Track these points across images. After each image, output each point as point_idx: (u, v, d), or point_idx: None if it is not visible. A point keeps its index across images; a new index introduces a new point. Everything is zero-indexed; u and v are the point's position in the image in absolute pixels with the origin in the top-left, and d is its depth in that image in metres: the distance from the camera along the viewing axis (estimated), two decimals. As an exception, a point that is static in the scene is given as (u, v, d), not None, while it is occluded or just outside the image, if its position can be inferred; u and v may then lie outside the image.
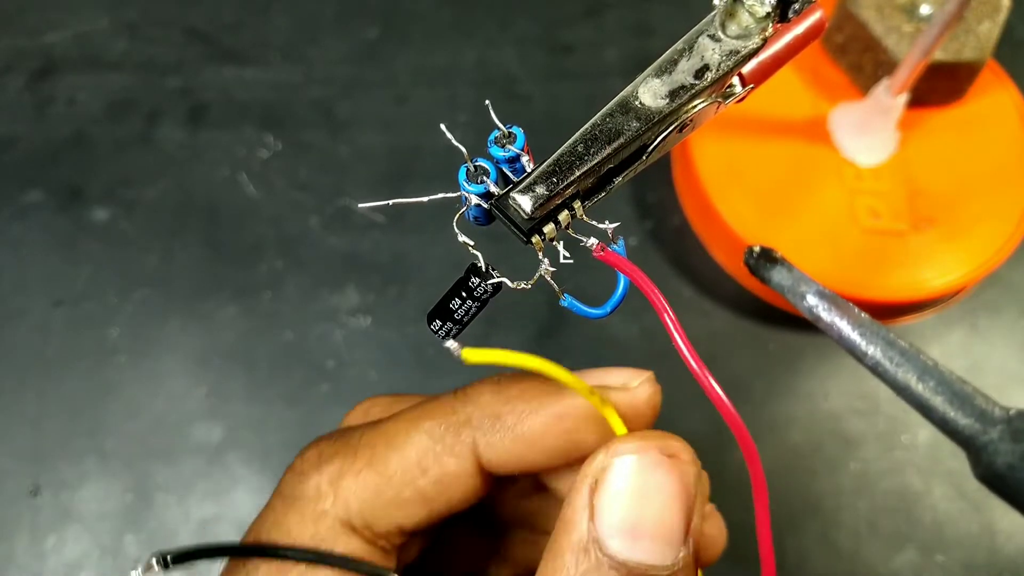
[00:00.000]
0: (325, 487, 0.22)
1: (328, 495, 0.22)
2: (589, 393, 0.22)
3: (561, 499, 0.24)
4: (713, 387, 0.21)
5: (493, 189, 0.20)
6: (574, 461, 0.23)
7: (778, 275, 0.17)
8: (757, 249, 0.17)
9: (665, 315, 0.20)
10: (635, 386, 0.24)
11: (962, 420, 0.15)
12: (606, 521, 0.20)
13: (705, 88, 0.19)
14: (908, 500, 0.46)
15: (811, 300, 0.17)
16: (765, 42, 0.19)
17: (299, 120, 0.55)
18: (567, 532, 0.20)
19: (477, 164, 0.20)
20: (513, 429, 0.23)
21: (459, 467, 0.22)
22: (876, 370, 0.16)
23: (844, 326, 0.16)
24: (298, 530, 0.21)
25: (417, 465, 0.22)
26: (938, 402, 0.16)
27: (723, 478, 0.45)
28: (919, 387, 0.16)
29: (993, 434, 0.15)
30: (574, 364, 0.49)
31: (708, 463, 0.47)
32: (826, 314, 0.17)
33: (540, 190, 0.19)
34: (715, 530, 0.29)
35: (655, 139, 0.20)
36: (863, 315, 0.16)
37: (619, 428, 0.23)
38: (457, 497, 0.23)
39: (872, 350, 0.16)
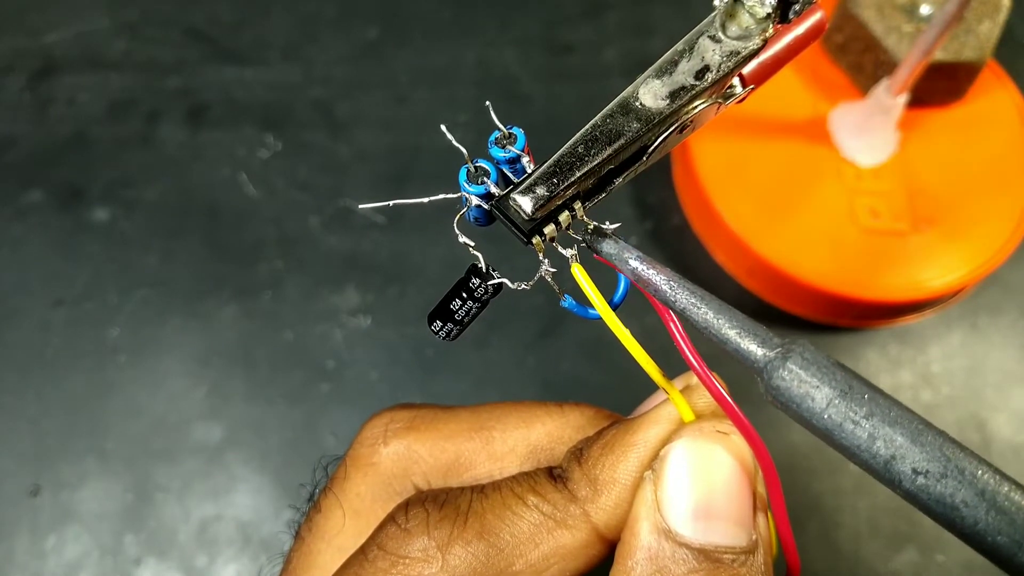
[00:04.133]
0: (433, 551, 0.21)
1: (436, 559, 0.21)
2: (661, 378, 0.22)
3: None
4: (714, 384, 0.21)
5: (493, 190, 0.20)
6: None
7: (607, 246, 0.20)
8: (591, 226, 0.20)
9: (668, 321, 0.20)
10: (681, 387, 0.24)
11: (752, 348, 0.19)
12: (674, 509, 0.20)
13: (705, 89, 0.19)
14: (908, 500, 0.46)
15: (633, 263, 0.20)
16: (765, 43, 0.19)
17: (299, 120, 0.55)
18: (634, 531, 0.20)
19: (478, 165, 0.20)
20: (614, 483, 0.22)
21: (575, 539, 0.22)
22: (685, 314, 0.20)
23: (659, 280, 0.20)
24: None
25: (529, 539, 0.21)
26: (732, 335, 0.19)
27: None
28: (718, 323, 0.19)
29: (771, 356, 0.18)
30: (574, 364, 0.50)
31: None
32: (645, 273, 0.20)
33: (540, 191, 0.19)
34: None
35: (655, 140, 0.20)
36: (674, 273, 0.19)
37: (687, 414, 0.22)
38: (574, 567, 0.22)
39: (682, 297, 0.19)
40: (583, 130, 0.19)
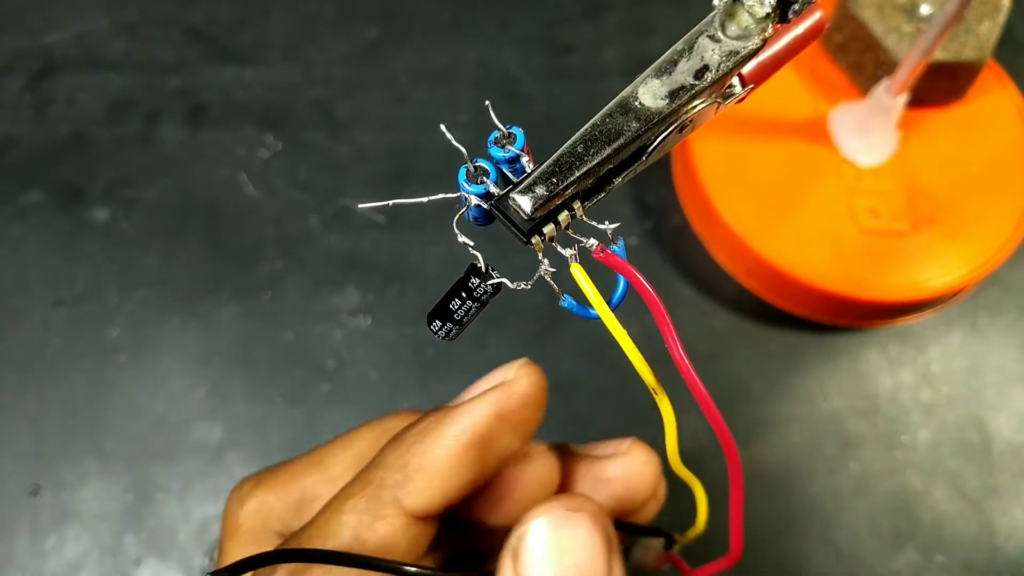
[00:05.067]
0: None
1: None
2: (653, 380, 0.22)
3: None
4: (706, 396, 0.20)
5: (493, 190, 0.20)
6: (491, 479, 0.25)
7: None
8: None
9: (664, 324, 0.20)
10: (512, 377, 0.25)
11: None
12: None
13: (705, 89, 0.19)
14: (908, 500, 0.46)
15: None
16: (765, 43, 0.19)
17: (299, 120, 0.55)
18: None
19: (477, 164, 0.20)
20: (422, 470, 0.23)
21: (393, 526, 0.23)
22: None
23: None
24: None
25: (352, 541, 0.23)
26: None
27: (723, 476, 0.45)
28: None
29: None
30: (574, 364, 0.50)
31: (713, 463, 0.48)
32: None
33: (540, 191, 0.19)
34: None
35: (655, 140, 0.20)
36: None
37: (670, 420, 0.23)
38: (404, 551, 0.23)
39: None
40: (582, 130, 0.19)
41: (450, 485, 0.24)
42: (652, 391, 0.22)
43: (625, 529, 0.30)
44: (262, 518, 0.27)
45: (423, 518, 0.24)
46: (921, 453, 0.47)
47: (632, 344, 0.21)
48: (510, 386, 0.25)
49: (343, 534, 0.23)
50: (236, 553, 0.27)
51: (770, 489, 0.46)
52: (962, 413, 0.48)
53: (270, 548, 0.26)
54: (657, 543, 0.31)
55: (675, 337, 0.20)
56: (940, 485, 0.46)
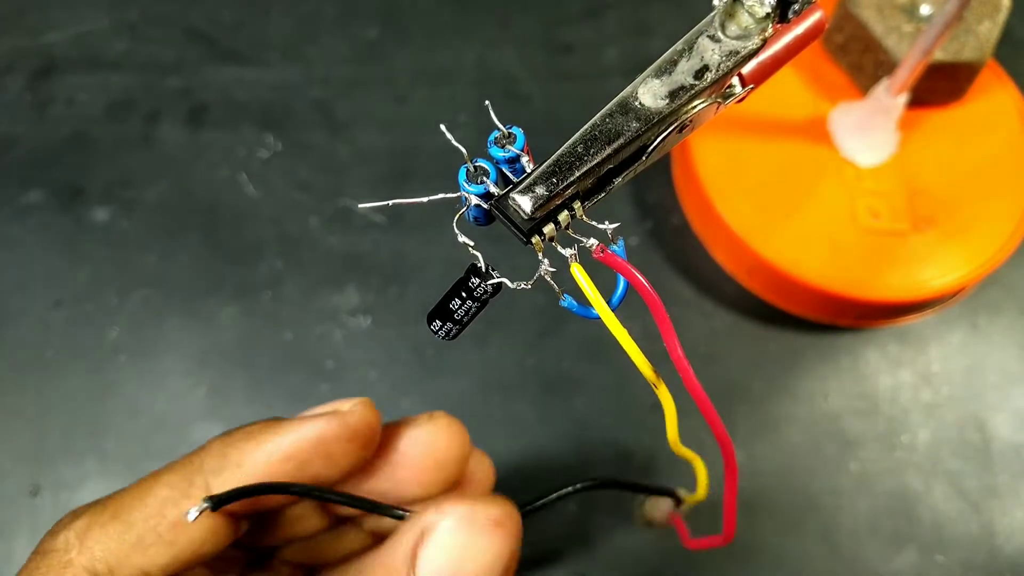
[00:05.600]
0: (73, 539, 0.23)
1: (75, 546, 0.23)
2: (653, 375, 0.22)
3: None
4: (701, 392, 0.21)
5: (493, 190, 0.20)
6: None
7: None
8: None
9: (663, 323, 0.20)
10: (346, 410, 0.26)
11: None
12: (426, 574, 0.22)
13: (705, 89, 0.19)
14: (908, 500, 0.46)
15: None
16: (765, 43, 0.19)
17: (299, 120, 0.55)
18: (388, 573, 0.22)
19: (477, 164, 0.20)
20: (239, 466, 0.24)
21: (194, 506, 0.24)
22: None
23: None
24: (42, 573, 0.23)
25: (158, 512, 0.24)
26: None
27: (723, 475, 0.46)
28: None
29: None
30: (573, 365, 0.50)
31: (707, 460, 0.47)
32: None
33: (540, 191, 0.19)
34: (482, 466, 0.32)
35: (655, 140, 0.20)
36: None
37: (670, 409, 0.23)
38: (201, 539, 0.24)
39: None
40: (582, 130, 0.19)
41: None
42: (652, 385, 0.22)
43: (637, 489, 0.31)
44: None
45: (226, 512, 0.24)
46: (921, 453, 0.47)
47: (631, 341, 0.21)
48: (340, 416, 0.25)
49: (150, 500, 0.24)
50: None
51: (770, 489, 0.46)
52: (962, 413, 0.48)
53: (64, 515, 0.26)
54: (666, 502, 0.33)
55: (673, 335, 0.20)
56: (940, 485, 0.46)
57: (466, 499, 0.23)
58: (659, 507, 0.34)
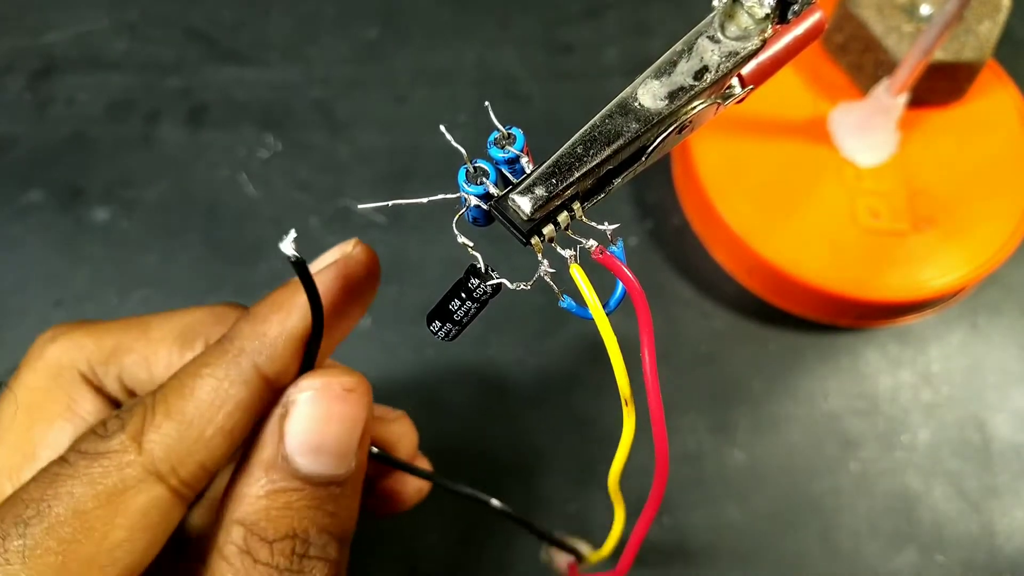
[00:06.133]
0: (128, 442, 0.23)
1: (132, 448, 0.23)
2: (627, 390, 0.22)
3: None
4: (660, 415, 0.21)
5: (492, 190, 0.20)
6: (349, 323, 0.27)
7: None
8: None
9: (645, 332, 0.20)
10: (351, 250, 0.27)
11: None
12: (293, 442, 0.24)
13: (704, 89, 0.19)
14: (908, 500, 0.46)
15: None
16: (764, 43, 0.19)
17: (299, 120, 0.55)
18: (260, 451, 0.24)
19: (476, 165, 0.20)
20: (280, 337, 0.25)
21: (250, 391, 0.24)
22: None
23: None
24: (102, 480, 0.23)
25: (211, 405, 0.24)
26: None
27: (723, 475, 0.46)
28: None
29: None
30: (573, 364, 0.50)
31: (707, 460, 0.47)
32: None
33: (539, 191, 0.19)
34: (404, 428, 0.35)
35: (654, 140, 0.20)
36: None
37: (629, 428, 0.23)
38: (255, 419, 0.25)
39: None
40: (582, 131, 0.19)
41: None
42: (623, 401, 0.22)
43: (550, 541, 0.33)
44: (70, 356, 0.28)
45: (278, 385, 0.25)
46: (921, 453, 0.47)
47: (618, 350, 0.21)
48: (350, 257, 0.27)
49: (200, 395, 0.24)
50: (35, 383, 0.28)
51: (770, 489, 0.46)
52: (962, 413, 0.48)
53: (72, 388, 0.27)
54: (568, 556, 0.34)
55: (652, 347, 0.21)
56: (940, 485, 0.46)
57: (319, 373, 0.25)
58: (560, 559, 0.35)
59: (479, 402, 0.47)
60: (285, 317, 0.25)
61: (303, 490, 0.24)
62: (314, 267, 0.26)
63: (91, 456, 0.23)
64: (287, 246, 0.21)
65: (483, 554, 0.44)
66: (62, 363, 0.28)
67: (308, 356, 0.26)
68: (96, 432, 0.24)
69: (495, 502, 0.32)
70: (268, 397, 0.25)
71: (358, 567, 0.43)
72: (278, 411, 0.25)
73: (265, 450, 0.24)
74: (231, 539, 0.24)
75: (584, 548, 0.34)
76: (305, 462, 0.24)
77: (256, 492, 0.24)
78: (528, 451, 0.46)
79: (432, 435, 0.46)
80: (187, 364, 0.25)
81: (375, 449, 0.29)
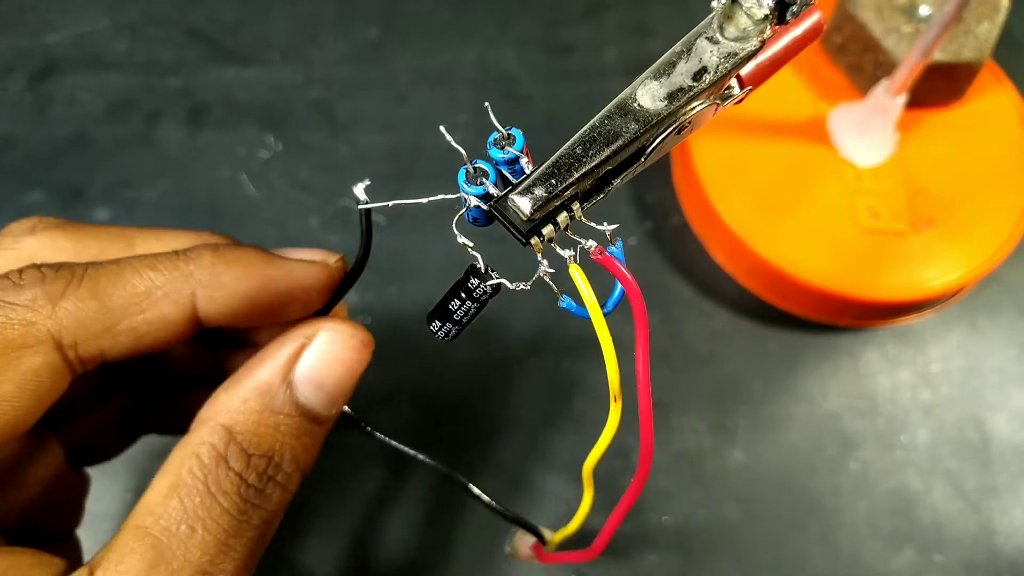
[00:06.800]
0: (43, 301, 0.23)
1: (44, 308, 0.23)
2: (617, 388, 0.23)
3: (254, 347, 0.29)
4: (648, 414, 0.21)
5: (492, 191, 0.20)
6: (274, 322, 0.28)
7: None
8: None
9: (640, 333, 0.20)
10: (332, 263, 0.28)
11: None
12: (303, 372, 0.25)
13: (703, 90, 0.19)
14: (908, 500, 0.46)
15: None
16: (763, 44, 0.19)
17: (299, 120, 0.55)
18: (264, 368, 0.25)
19: (476, 166, 0.20)
20: (230, 287, 0.25)
21: (176, 314, 0.25)
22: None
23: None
24: (2, 331, 0.23)
25: (137, 304, 0.24)
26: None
27: (723, 475, 0.46)
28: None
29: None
30: (574, 364, 0.50)
31: (707, 460, 0.48)
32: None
33: (539, 192, 0.19)
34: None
35: (654, 141, 0.20)
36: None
37: (613, 424, 0.23)
38: (164, 339, 0.25)
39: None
40: (581, 131, 0.19)
41: (241, 313, 0.26)
42: (612, 397, 0.23)
43: (510, 520, 0.33)
44: (46, 254, 0.28)
45: (197, 321, 0.25)
46: (921, 453, 0.47)
47: (612, 349, 0.21)
48: (328, 269, 0.28)
49: (132, 290, 0.24)
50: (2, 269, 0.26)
51: (770, 489, 0.46)
52: (961, 413, 0.48)
53: (23, 267, 0.26)
54: (530, 538, 0.35)
55: (646, 348, 0.21)
56: (940, 485, 0.46)
57: (343, 321, 0.27)
58: (524, 542, 0.35)
59: (479, 402, 0.47)
60: (243, 275, 0.26)
61: (293, 417, 0.25)
62: (291, 255, 0.27)
63: None
64: (360, 190, 0.22)
65: (452, 537, 0.44)
66: (35, 258, 0.27)
67: (333, 298, 0.27)
68: (10, 278, 0.24)
69: (458, 477, 0.33)
70: (185, 329, 0.25)
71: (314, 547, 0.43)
72: (297, 339, 0.26)
73: (271, 369, 0.25)
74: (209, 439, 0.24)
75: (547, 532, 0.34)
76: (306, 392, 0.25)
77: (251, 405, 0.25)
78: (527, 451, 0.46)
79: (432, 435, 0.46)
80: (135, 256, 0.25)
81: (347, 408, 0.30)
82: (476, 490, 0.33)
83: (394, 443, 0.32)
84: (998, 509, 0.45)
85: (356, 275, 0.26)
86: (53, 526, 0.32)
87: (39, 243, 0.28)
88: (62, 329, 0.23)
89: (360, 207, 0.23)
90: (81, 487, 0.34)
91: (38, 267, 0.24)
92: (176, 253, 0.26)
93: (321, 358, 0.26)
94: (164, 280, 0.25)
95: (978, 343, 0.50)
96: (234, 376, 0.26)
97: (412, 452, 0.32)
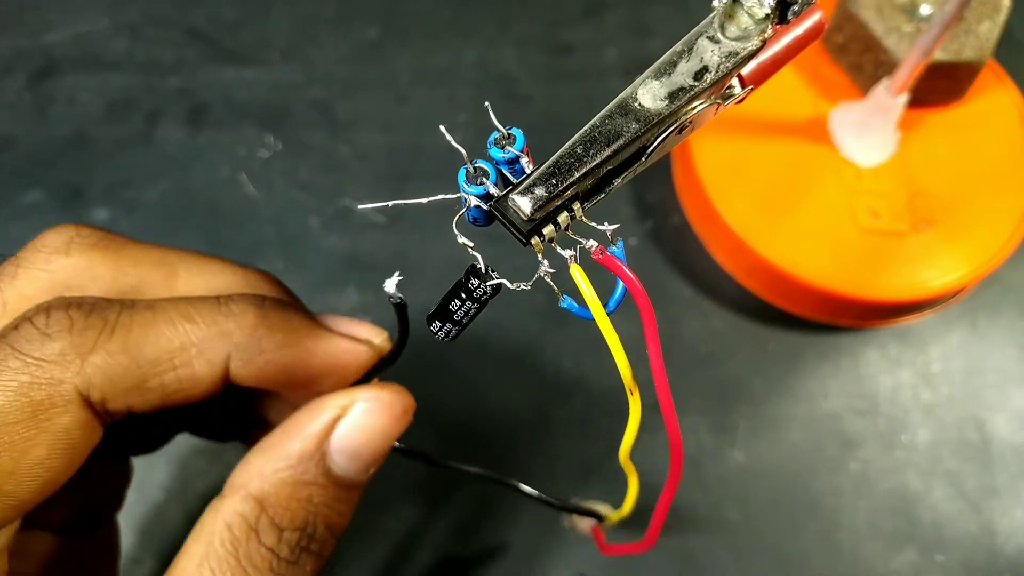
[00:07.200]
0: (72, 356, 0.22)
1: (74, 364, 0.22)
2: (631, 381, 0.23)
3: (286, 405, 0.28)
4: (671, 409, 0.21)
5: (492, 191, 0.20)
6: (306, 389, 0.26)
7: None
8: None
9: (650, 330, 0.20)
10: (379, 342, 0.28)
11: None
12: (338, 443, 0.25)
13: (704, 90, 0.19)
14: (908, 500, 0.46)
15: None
16: (764, 43, 0.19)
17: (299, 120, 0.55)
18: (297, 438, 0.24)
19: (476, 165, 0.20)
20: (269, 354, 0.24)
21: (209, 373, 0.24)
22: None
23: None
24: (30, 393, 0.21)
25: (170, 360, 0.23)
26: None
27: (723, 475, 0.46)
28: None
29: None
30: (574, 364, 0.50)
31: (707, 460, 0.47)
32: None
33: (539, 192, 0.19)
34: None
35: (654, 140, 0.20)
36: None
37: (635, 418, 0.23)
38: (193, 396, 0.24)
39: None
40: (582, 131, 0.19)
41: (273, 380, 0.25)
42: (628, 390, 0.23)
43: (570, 510, 0.34)
44: (81, 281, 0.25)
45: (228, 380, 0.25)
46: (921, 453, 0.47)
47: (619, 345, 0.21)
48: (377, 348, 0.28)
49: (165, 345, 0.23)
50: (33, 296, 0.25)
51: (770, 489, 0.46)
52: (962, 413, 0.48)
53: (51, 306, 0.24)
54: (590, 520, 0.36)
55: (657, 343, 0.21)
56: (940, 485, 0.46)
57: (385, 386, 0.26)
58: (584, 521, 0.36)
59: (479, 402, 0.47)
60: (287, 345, 0.25)
61: (327, 488, 0.24)
62: (338, 325, 0.27)
63: (24, 358, 0.21)
64: (391, 285, 0.22)
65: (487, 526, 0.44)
66: (69, 286, 0.25)
67: (373, 370, 0.27)
68: (36, 326, 0.22)
69: (505, 479, 0.34)
70: (215, 388, 0.24)
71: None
72: (332, 409, 0.25)
73: (306, 440, 0.24)
74: (240, 510, 0.23)
75: (603, 509, 0.35)
76: (341, 462, 0.25)
77: (283, 476, 0.24)
78: (529, 451, 0.46)
79: (432, 435, 0.46)
80: (171, 301, 0.24)
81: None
82: (526, 488, 0.33)
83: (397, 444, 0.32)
84: (999, 509, 0.45)
85: (391, 362, 0.26)
86: (96, 513, 0.32)
87: (74, 267, 0.26)
88: (91, 387, 0.22)
89: (393, 302, 0.22)
90: (126, 476, 0.33)
91: (67, 308, 0.22)
92: (217, 302, 0.24)
93: (358, 428, 0.25)
94: (200, 336, 0.23)
95: (979, 343, 0.50)
96: (267, 439, 0.25)
97: (407, 450, 0.32)
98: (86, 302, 0.23)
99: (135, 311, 0.23)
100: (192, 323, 0.23)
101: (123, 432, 0.30)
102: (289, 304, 0.26)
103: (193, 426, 0.34)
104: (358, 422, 0.25)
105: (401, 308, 0.23)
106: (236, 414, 0.32)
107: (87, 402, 0.22)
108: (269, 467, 0.24)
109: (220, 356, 0.24)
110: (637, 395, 0.23)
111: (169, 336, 0.23)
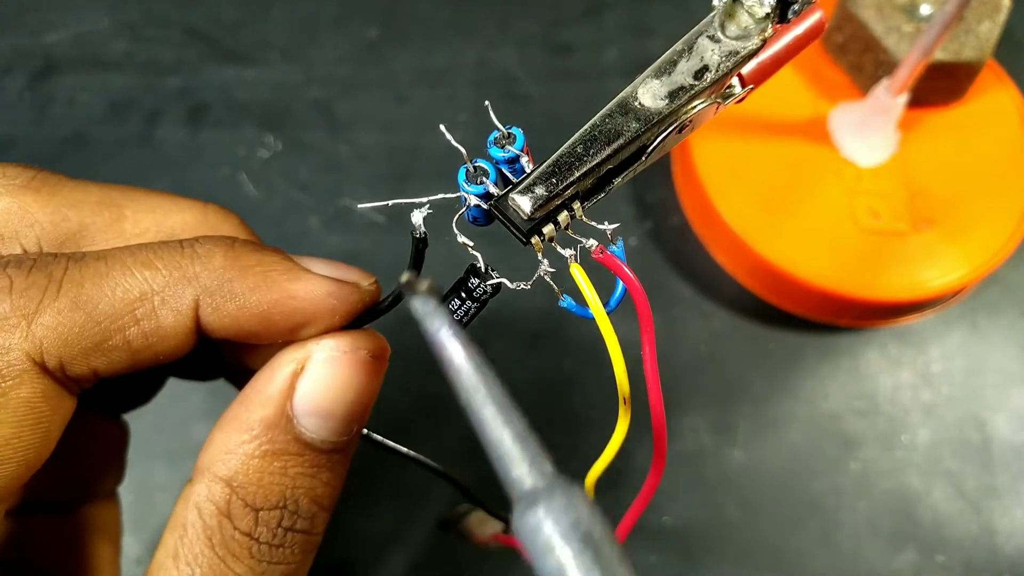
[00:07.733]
0: (16, 319, 0.19)
1: (19, 327, 0.19)
2: (627, 388, 0.22)
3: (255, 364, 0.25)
4: (660, 410, 0.21)
5: (492, 190, 0.20)
6: (288, 338, 0.23)
7: (416, 304, 0.16)
8: (403, 279, 0.16)
9: (646, 331, 0.20)
10: (367, 285, 0.24)
11: (518, 471, 0.15)
12: (303, 403, 0.21)
13: (704, 89, 0.19)
14: (908, 500, 0.46)
15: (440, 335, 0.16)
16: (764, 43, 0.19)
17: (299, 120, 0.55)
18: (258, 405, 0.22)
19: (476, 165, 0.20)
20: (242, 298, 0.21)
21: (177, 324, 0.21)
22: (468, 403, 0.16)
23: (460, 361, 0.16)
24: None
25: (130, 314, 0.20)
26: (508, 442, 0.15)
27: (723, 475, 0.46)
28: (495, 427, 0.16)
29: (530, 488, 0.15)
30: (574, 364, 0.50)
31: (707, 460, 0.47)
32: (446, 348, 0.16)
33: (539, 191, 0.19)
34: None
35: (654, 140, 0.20)
36: (480, 358, 0.16)
37: (622, 429, 0.23)
38: (166, 351, 0.21)
39: (470, 378, 0.16)
40: (582, 130, 0.19)
41: (249, 328, 0.22)
42: (621, 399, 0.23)
43: (476, 503, 0.30)
44: (15, 226, 0.23)
45: (202, 331, 0.22)
46: (921, 453, 0.47)
47: (619, 349, 0.21)
48: (360, 292, 0.25)
49: (122, 296, 0.20)
50: None
51: (770, 489, 0.45)
52: (962, 413, 0.48)
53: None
54: (496, 524, 0.32)
55: (653, 344, 0.21)
56: (940, 485, 0.46)
57: (346, 334, 0.22)
58: (485, 526, 0.33)
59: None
60: (261, 288, 0.21)
61: (303, 455, 0.22)
62: (318, 267, 0.24)
63: None
64: (417, 217, 0.20)
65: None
66: (1, 236, 0.23)
67: (355, 323, 0.23)
68: None
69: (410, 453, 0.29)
70: (187, 342, 0.21)
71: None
72: (288, 366, 0.22)
73: (266, 406, 0.22)
74: (211, 496, 0.21)
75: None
76: (312, 425, 0.22)
77: (248, 451, 0.21)
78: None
79: (432, 435, 0.46)
80: (126, 249, 0.21)
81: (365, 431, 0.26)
82: (435, 465, 0.30)
83: (390, 443, 0.30)
84: (999, 509, 0.45)
85: (391, 306, 0.23)
86: (99, 483, 0.29)
87: (5, 213, 0.22)
88: (43, 351, 0.19)
89: (415, 235, 0.21)
90: (121, 438, 0.30)
91: (4, 268, 0.20)
92: (180, 245, 0.21)
93: (322, 382, 0.22)
94: (162, 283, 0.20)
95: (979, 343, 0.50)
96: (227, 412, 0.22)
97: (405, 451, 0.30)
98: (26, 259, 0.20)
99: (84, 263, 0.20)
100: (152, 270, 0.20)
101: (107, 390, 0.27)
102: (262, 245, 0.23)
103: (178, 371, 0.31)
104: (320, 375, 0.22)
105: (421, 244, 0.21)
106: (220, 360, 0.28)
107: (44, 369, 0.20)
108: (233, 442, 0.21)
109: (186, 303, 0.21)
110: (629, 408, 0.23)
111: (126, 286, 0.20)
